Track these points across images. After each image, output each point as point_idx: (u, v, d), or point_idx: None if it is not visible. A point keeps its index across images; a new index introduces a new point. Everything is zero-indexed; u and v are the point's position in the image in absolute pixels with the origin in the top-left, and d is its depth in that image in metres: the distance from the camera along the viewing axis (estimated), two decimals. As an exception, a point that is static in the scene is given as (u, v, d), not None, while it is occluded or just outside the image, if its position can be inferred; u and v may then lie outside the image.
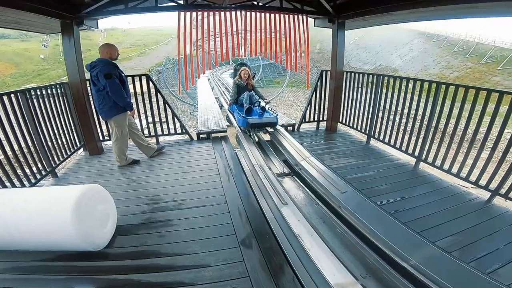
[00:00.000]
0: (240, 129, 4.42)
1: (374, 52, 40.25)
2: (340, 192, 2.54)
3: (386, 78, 3.73)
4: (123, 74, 3.18)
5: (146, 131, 4.13)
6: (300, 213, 2.22)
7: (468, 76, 27.82)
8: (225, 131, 4.49)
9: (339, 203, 2.40)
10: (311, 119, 4.80)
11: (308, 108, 4.71)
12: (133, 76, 3.82)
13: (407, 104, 3.40)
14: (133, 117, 3.46)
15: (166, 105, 4.00)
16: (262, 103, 4.54)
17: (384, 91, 3.76)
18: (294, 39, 4.00)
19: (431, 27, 41.04)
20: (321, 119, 4.81)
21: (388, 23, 4.27)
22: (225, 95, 9.82)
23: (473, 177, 2.71)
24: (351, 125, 4.43)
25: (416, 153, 3.32)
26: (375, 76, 3.85)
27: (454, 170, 2.89)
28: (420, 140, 3.24)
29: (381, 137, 3.84)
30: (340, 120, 4.65)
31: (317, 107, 4.72)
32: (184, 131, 4.22)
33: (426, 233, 2.09)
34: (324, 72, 4.55)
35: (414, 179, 3.04)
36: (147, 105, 3.99)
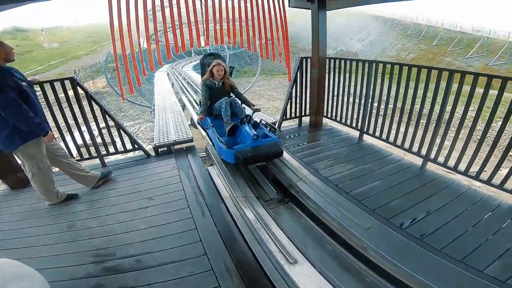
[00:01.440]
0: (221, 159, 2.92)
1: (334, 37, 40.82)
2: (362, 228, 1.91)
3: (380, 64, 3.15)
4: (24, 83, 2.14)
5: (90, 150, 3.12)
6: (314, 268, 1.54)
7: (422, 57, 29.43)
8: (191, 140, 3.48)
9: (363, 242, 1.77)
10: (292, 115, 4.13)
11: (288, 103, 4.02)
12: (51, 82, 2.69)
13: (405, 94, 2.88)
14: (55, 140, 2.46)
15: (107, 115, 2.95)
16: (249, 111, 3.23)
17: (376, 80, 3.21)
18: (270, 22, 3.22)
19: (385, 11, 42.74)
20: (303, 114, 4.17)
21: (372, 2, 3.68)
22: (188, 92, 8.57)
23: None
24: (338, 119, 3.84)
25: (423, 151, 2.85)
26: (366, 63, 3.25)
27: (472, 170, 2.44)
28: (428, 136, 2.75)
29: (377, 133, 3.31)
30: (325, 114, 4.05)
31: (298, 100, 4.06)
32: (136, 146, 3.25)
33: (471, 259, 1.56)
34: (304, 59, 3.86)
35: (428, 185, 2.53)
36: (90, 116, 2.96)
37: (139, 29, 2.75)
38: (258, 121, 3.07)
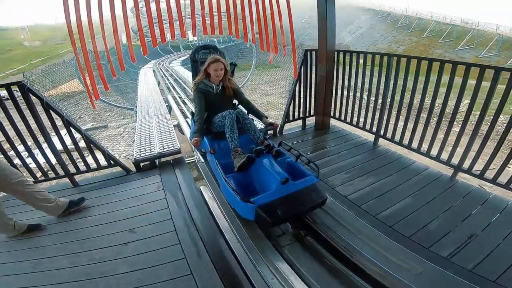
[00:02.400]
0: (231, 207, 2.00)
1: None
2: (412, 273, 1.46)
3: (395, 58, 2.70)
4: None
5: (55, 168, 2.54)
6: None
7: (414, 49, 29.35)
8: (179, 151, 2.89)
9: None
10: (296, 117, 3.65)
11: (291, 103, 3.52)
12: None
13: (424, 92, 2.45)
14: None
15: (71, 127, 2.35)
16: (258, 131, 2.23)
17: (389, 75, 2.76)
18: (270, 8, 2.69)
19: (375, 3, 42.44)
20: (307, 114, 3.68)
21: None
22: (175, 90, 7.86)
23: None
24: (348, 121, 3.39)
25: (454, 160, 2.43)
26: (385, 57, 2.78)
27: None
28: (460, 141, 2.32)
29: (396, 138, 2.88)
30: (332, 115, 3.58)
31: (302, 100, 3.56)
32: (112, 162, 2.66)
33: None
34: (309, 53, 3.36)
35: (464, 201, 2.12)
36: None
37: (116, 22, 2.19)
38: (276, 145, 2.16)
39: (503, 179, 2.14)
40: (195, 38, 23.74)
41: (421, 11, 35.32)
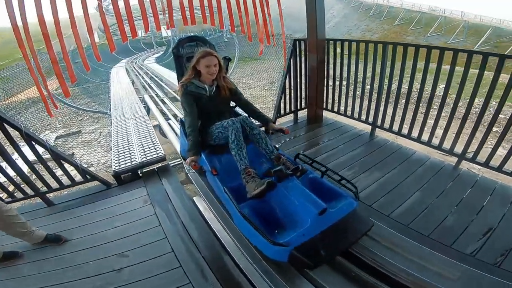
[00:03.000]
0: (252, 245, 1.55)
1: (302, 20, 40.19)
2: (448, 277, 1.33)
3: (390, 46, 2.57)
4: None
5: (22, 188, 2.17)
6: None
7: (386, 37, 30.03)
8: (163, 158, 2.58)
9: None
10: (287, 110, 3.45)
11: (282, 97, 3.32)
12: None
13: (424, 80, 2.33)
14: None
15: (33, 141, 1.97)
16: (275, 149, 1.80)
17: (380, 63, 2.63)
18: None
19: (348, -8, 42.82)
20: (298, 107, 3.50)
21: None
22: (152, 89, 7.35)
23: None
24: (342, 112, 3.24)
25: (457, 149, 2.35)
26: (379, 45, 2.62)
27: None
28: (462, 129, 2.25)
29: (395, 128, 2.77)
30: (325, 106, 3.42)
31: (292, 92, 3.37)
32: (89, 177, 2.33)
33: None
34: (298, 42, 3.15)
35: (473, 191, 2.04)
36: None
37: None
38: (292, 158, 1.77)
39: (509, 167, 2.08)
40: (169, 32, 22.66)
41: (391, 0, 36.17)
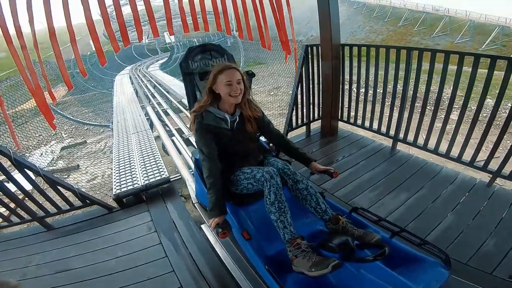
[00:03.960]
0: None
1: (304, 23, 40.18)
2: None
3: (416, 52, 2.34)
4: None
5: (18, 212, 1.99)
6: None
7: (391, 38, 29.76)
8: (168, 180, 2.38)
9: None
10: (299, 123, 3.23)
11: (294, 108, 3.10)
12: None
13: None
14: None
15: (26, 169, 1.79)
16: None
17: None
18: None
19: (350, -7, 42.71)
20: (311, 119, 3.28)
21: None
22: (155, 99, 7.12)
23: None
24: (359, 123, 3.01)
25: (492, 165, 2.11)
26: (402, 50, 2.41)
27: None
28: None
29: (420, 142, 2.53)
30: (340, 117, 3.20)
31: (305, 102, 3.15)
32: (88, 201, 2.14)
33: None
34: (310, 48, 2.95)
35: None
36: None
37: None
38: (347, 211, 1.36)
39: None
40: (172, 38, 22.63)
41: (394, 0, 35.91)
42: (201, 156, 1.34)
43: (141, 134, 3.69)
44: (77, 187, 2.01)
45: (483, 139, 2.09)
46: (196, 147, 1.42)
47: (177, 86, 8.70)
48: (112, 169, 2.65)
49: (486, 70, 1.92)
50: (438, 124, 2.35)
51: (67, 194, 2.07)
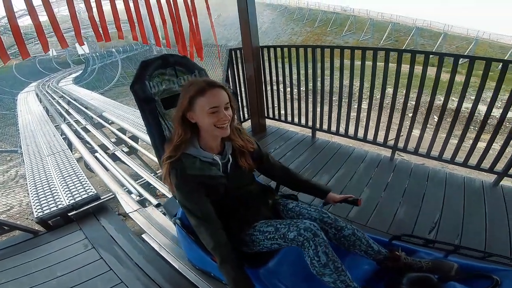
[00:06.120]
0: None
1: (234, 28, 40.92)
2: None
3: (318, 50, 2.70)
4: None
5: None
6: None
7: (310, 38, 32.71)
8: (97, 198, 2.23)
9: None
10: (231, 123, 3.34)
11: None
12: None
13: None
14: None
15: None
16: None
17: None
18: (185, 4, 2.28)
19: (272, -3, 45.30)
20: (241, 119, 3.44)
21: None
22: (71, 116, 6.35)
23: None
24: (283, 119, 3.31)
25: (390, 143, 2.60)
26: (309, 49, 2.74)
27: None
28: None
29: (333, 129, 2.92)
30: (266, 115, 3.45)
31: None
32: (6, 227, 1.87)
33: None
34: (233, 52, 3.10)
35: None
36: None
37: None
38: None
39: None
40: (86, 48, 20.13)
41: (310, 2, 39.51)
42: (194, 221, 0.98)
43: (59, 155, 3.30)
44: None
45: (389, 123, 2.51)
46: (181, 208, 1.05)
47: (96, 100, 7.96)
48: (29, 195, 2.34)
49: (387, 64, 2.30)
50: (353, 114, 2.73)
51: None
